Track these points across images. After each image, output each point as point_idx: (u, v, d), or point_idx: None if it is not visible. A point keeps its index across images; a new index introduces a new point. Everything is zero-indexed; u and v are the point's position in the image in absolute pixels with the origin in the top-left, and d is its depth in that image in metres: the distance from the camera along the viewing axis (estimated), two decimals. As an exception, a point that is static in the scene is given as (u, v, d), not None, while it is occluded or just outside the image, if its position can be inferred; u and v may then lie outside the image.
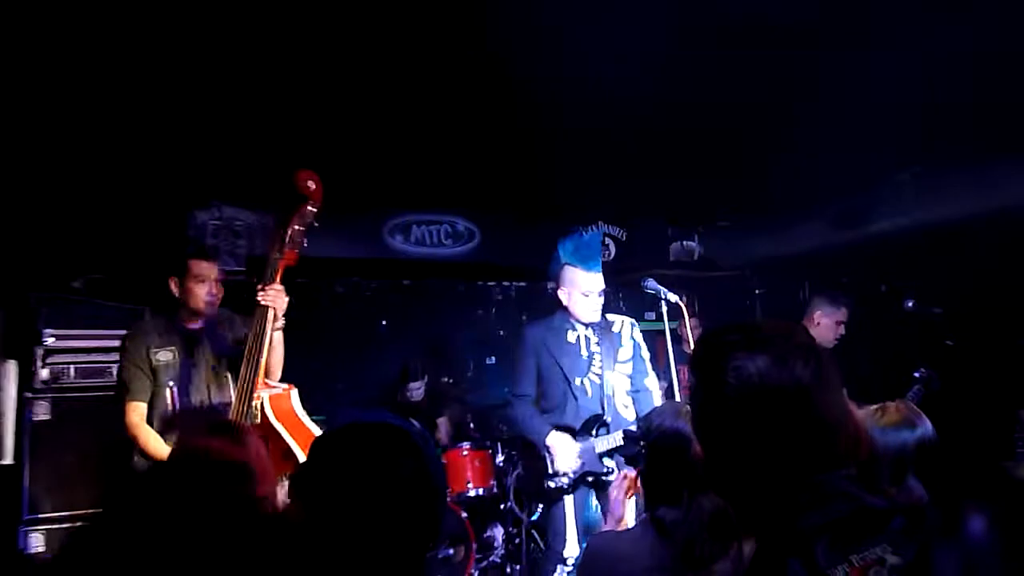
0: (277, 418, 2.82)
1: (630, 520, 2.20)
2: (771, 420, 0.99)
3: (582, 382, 3.38)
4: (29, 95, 3.32)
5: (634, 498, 2.24)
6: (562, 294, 3.46)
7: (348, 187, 4.65)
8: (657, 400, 3.53)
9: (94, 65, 3.11)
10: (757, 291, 5.96)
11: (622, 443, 3.28)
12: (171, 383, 3.02)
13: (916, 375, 3.94)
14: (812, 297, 4.43)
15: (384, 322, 5.56)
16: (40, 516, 3.82)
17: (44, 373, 4.00)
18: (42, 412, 3.97)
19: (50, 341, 4.01)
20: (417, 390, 5.20)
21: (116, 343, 4.08)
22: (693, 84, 3.43)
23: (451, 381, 5.41)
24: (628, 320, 3.57)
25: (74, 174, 4.06)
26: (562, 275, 3.45)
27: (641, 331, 3.60)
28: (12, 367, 3.91)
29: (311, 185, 2.81)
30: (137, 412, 3.02)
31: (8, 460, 3.81)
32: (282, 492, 1.80)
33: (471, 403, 5.44)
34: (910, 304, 4.40)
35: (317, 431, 2.91)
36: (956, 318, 4.37)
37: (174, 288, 3.08)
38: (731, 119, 3.84)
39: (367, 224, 5.26)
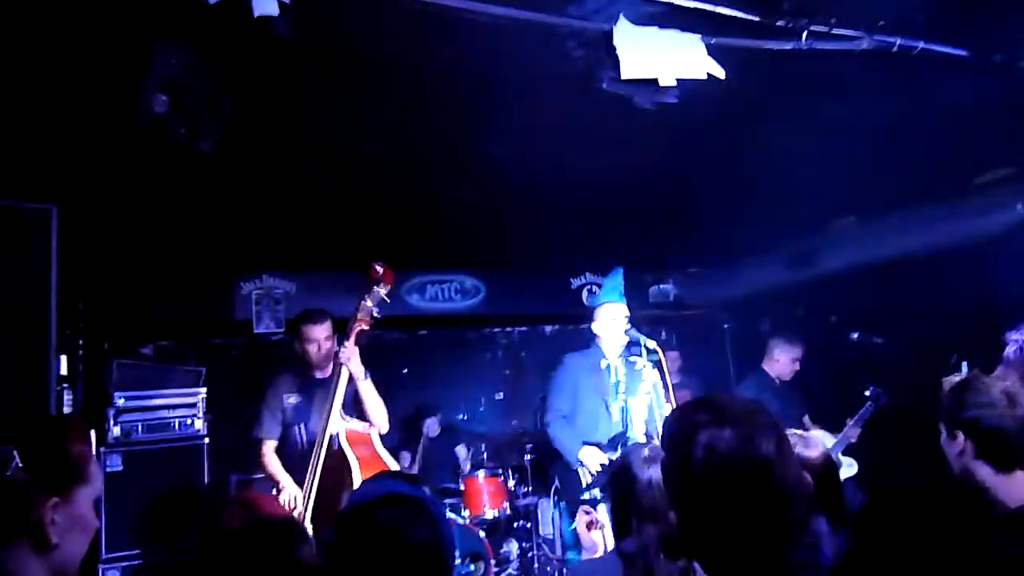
0: (352, 450, 3.22)
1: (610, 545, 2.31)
2: (738, 491, 1.05)
3: (611, 404, 3.96)
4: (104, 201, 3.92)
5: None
6: (596, 326, 4.08)
7: (373, 256, 5.22)
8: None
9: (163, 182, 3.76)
10: (725, 326, 6.48)
11: None
12: (299, 423, 3.56)
13: (867, 393, 4.31)
14: (770, 338, 4.87)
15: (405, 369, 6.03)
16: (115, 555, 4.26)
17: (116, 430, 4.44)
18: (115, 464, 4.40)
19: (120, 402, 4.48)
20: (432, 425, 5.75)
21: (179, 400, 4.62)
22: (665, 164, 4.10)
23: (465, 417, 5.89)
24: (649, 362, 4.05)
25: (141, 260, 4.64)
26: (597, 312, 4.12)
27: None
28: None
29: (377, 273, 3.41)
30: (268, 448, 3.60)
31: (87, 507, 4.22)
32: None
33: (483, 434, 5.92)
34: (855, 336, 4.89)
35: (393, 465, 3.36)
36: (895, 343, 4.82)
37: (296, 348, 3.67)
38: (699, 186, 4.49)
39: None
